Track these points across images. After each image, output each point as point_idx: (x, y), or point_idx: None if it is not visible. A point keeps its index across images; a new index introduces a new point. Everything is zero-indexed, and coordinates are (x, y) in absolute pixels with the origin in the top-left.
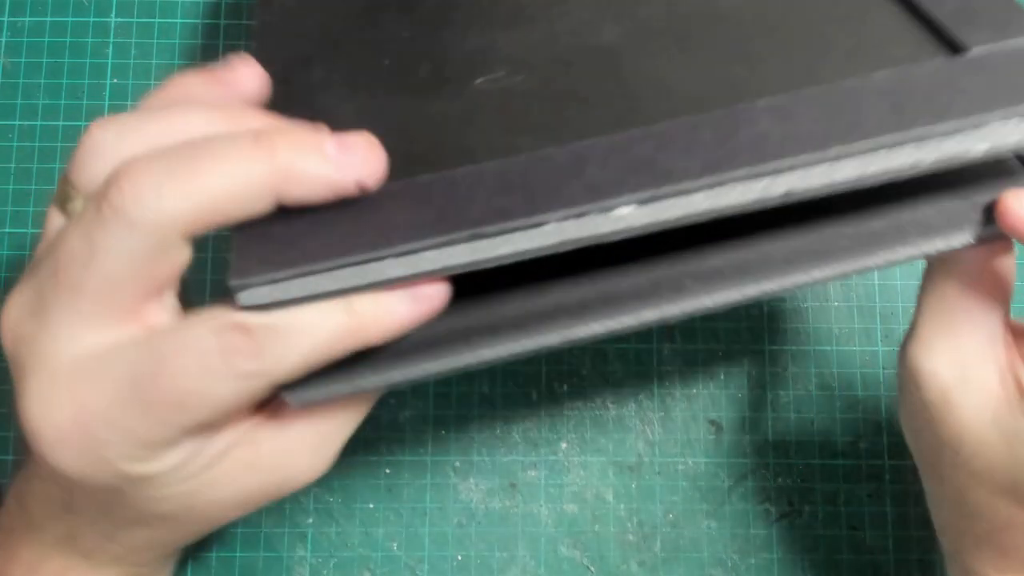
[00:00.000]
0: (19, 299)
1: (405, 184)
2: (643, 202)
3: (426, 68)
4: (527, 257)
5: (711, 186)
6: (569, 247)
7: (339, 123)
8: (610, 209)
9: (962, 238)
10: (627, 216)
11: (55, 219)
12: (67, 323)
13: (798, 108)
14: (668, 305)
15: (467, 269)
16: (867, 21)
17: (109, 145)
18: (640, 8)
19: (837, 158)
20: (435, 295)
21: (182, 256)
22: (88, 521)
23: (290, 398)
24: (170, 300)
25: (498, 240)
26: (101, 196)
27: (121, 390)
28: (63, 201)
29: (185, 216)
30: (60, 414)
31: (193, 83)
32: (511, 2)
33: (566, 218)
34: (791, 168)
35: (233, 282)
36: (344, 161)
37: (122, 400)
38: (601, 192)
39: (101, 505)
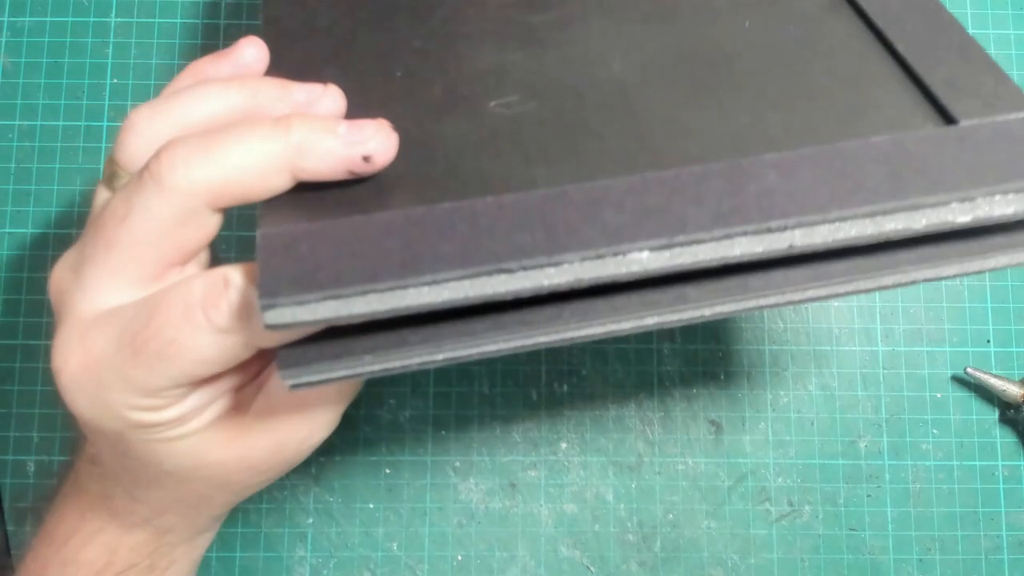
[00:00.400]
0: (67, 258)
1: (427, 211)
2: (656, 249)
3: (440, 85)
4: (544, 291)
5: (721, 238)
6: (584, 284)
7: None
8: (626, 253)
9: (950, 269)
10: (642, 260)
11: (102, 195)
12: (97, 279)
13: (802, 166)
14: (668, 313)
15: (487, 300)
16: (866, 78)
17: (143, 125)
18: (647, 42)
19: (838, 221)
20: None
21: (207, 226)
22: (114, 477)
23: (285, 380)
24: (193, 272)
25: (519, 275)
26: (143, 168)
27: (120, 338)
28: (110, 179)
29: (209, 184)
30: (74, 359)
31: (207, 64)
32: (521, 22)
33: (584, 259)
34: (796, 227)
35: (261, 301)
36: (353, 138)
37: (119, 347)
38: (618, 237)
39: (118, 456)
